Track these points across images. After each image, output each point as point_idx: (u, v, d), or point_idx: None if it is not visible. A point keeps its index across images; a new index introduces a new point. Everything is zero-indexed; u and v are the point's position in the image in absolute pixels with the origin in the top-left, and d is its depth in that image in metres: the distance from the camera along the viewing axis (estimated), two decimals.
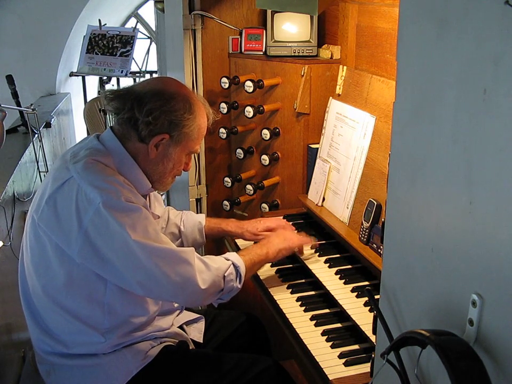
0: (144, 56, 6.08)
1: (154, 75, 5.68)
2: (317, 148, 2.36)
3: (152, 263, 1.60)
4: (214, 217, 2.45)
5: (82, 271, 1.65)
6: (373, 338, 1.55)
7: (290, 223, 2.35)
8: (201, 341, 2.01)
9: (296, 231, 2.26)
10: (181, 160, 1.80)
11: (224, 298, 1.81)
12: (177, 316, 2.00)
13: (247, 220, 2.72)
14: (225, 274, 1.77)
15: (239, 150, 2.61)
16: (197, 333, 2.03)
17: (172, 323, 1.94)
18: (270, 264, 2.17)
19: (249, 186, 2.54)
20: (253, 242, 2.17)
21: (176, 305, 1.96)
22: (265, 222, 2.22)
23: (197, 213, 2.80)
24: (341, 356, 1.65)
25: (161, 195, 6.36)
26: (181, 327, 1.99)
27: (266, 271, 2.14)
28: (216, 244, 2.83)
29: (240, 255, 1.86)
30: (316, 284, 1.99)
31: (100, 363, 1.73)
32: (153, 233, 1.64)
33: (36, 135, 3.37)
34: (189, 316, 2.06)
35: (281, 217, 2.41)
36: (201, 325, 2.06)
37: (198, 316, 2.08)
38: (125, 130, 1.73)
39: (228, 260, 1.82)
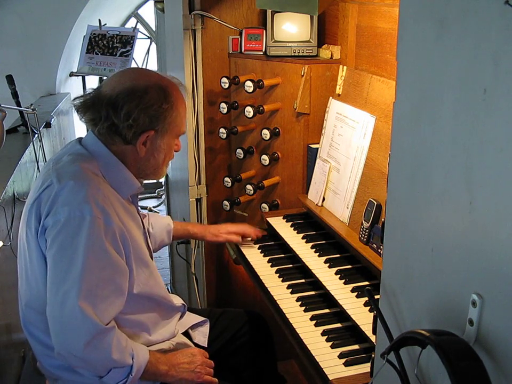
0: (144, 56, 6.07)
1: None
2: (317, 148, 2.36)
3: (67, 300, 1.52)
4: (180, 221, 2.51)
5: None
6: (373, 338, 1.55)
7: (290, 223, 2.35)
8: (206, 345, 1.99)
9: (296, 231, 2.28)
10: (171, 147, 1.78)
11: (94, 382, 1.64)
12: (179, 319, 1.97)
13: (247, 219, 2.74)
14: (112, 369, 1.60)
15: (239, 150, 2.60)
16: (201, 337, 2.02)
17: (176, 329, 1.92)
18: (270, 264, 2.17)
19: (249, 186, 2.54)
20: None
21: (177, 304, 1.93)
22: (226, 225, 2.33)
23: (197, 213, 2.81)
24: (341, 356, 1.65)
25: (161, 195, 6.28)
26: (185, 331, 1.98)
27: (266, 270, 2.14)
28: (217, 246, 2.83)
29: (149, 362, 1.67)
30: (316, 283, 1.99)
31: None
32: (95, 279, 1.55)
33: (36, 135, 3.37)
34: (194, 318, 2.04)
35: (281, 217, 2.41)
36: (206, 328, 2.05)
37: (203, 319, 2.05)
38: (108, 137, 1.68)
39: (133, 359, 1.62)
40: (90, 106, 1.67)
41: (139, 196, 1.90)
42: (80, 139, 1.76)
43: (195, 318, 2.04)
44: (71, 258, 1.53)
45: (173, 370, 1.76)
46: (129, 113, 1.62)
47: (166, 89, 1.69)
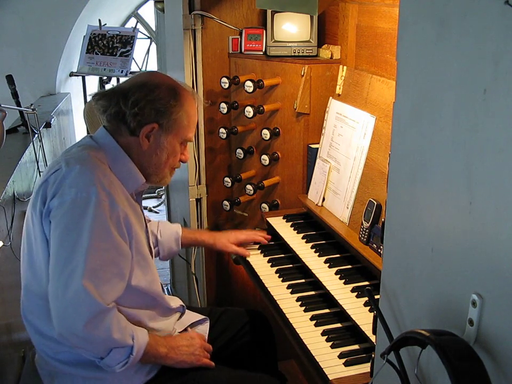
0: (144, 56, 6.07)
1: None
2: (317, 148, 2.36)
3: (72, 279, 1.54)
4: (189, 228, 2.49)
5: None
6: (373, 338, 1.55)
7: (290, 223, 2.35)
8: None
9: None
10: (175, 150, 1.79)
11: (91, 361, 1.65)
12: (179, 319, 1.97)
13: (247, 219, 2.74)
14: (113, 349, 1.61)
15: (239, 150, 2.61)
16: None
17: (174, 328, 1.91)
18: (270, 264, 2.17)
19: (249, 186, 2.54)
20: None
21: (174, 306, 1.93)
22: (236, 234, 2.27)
23: (197, 213, 2.81)
24: (341, 356, 1.65)
25: (161, 195, 6.27)
26: (185, 330, 1.97)
27: (266, 270, 2.14)
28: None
29: (148, 344, 1.69)
30: (316, 283, 1.99)
31: (103, 377, 1.70)
32: (99, 261, 1.56)
33: (36, 135, 3.37)
34: (193, 317, 2.03)
35: (281, 217, 2.41)
36: (205, 326, 2.04)
37: (203, 317, 2.05)
38: (115, 125, 1.73)
39: (133, 339, 1.64)
40: (105, 95, 1.74)
41: None
42: (91, 136, 1.80)
43: (195, 316, 2.03)
44: (76, 239, 1.56)
45: (173, 353, 1.78)
46: (136, 101, 1.68)
47: (176, 89, 1.76)
